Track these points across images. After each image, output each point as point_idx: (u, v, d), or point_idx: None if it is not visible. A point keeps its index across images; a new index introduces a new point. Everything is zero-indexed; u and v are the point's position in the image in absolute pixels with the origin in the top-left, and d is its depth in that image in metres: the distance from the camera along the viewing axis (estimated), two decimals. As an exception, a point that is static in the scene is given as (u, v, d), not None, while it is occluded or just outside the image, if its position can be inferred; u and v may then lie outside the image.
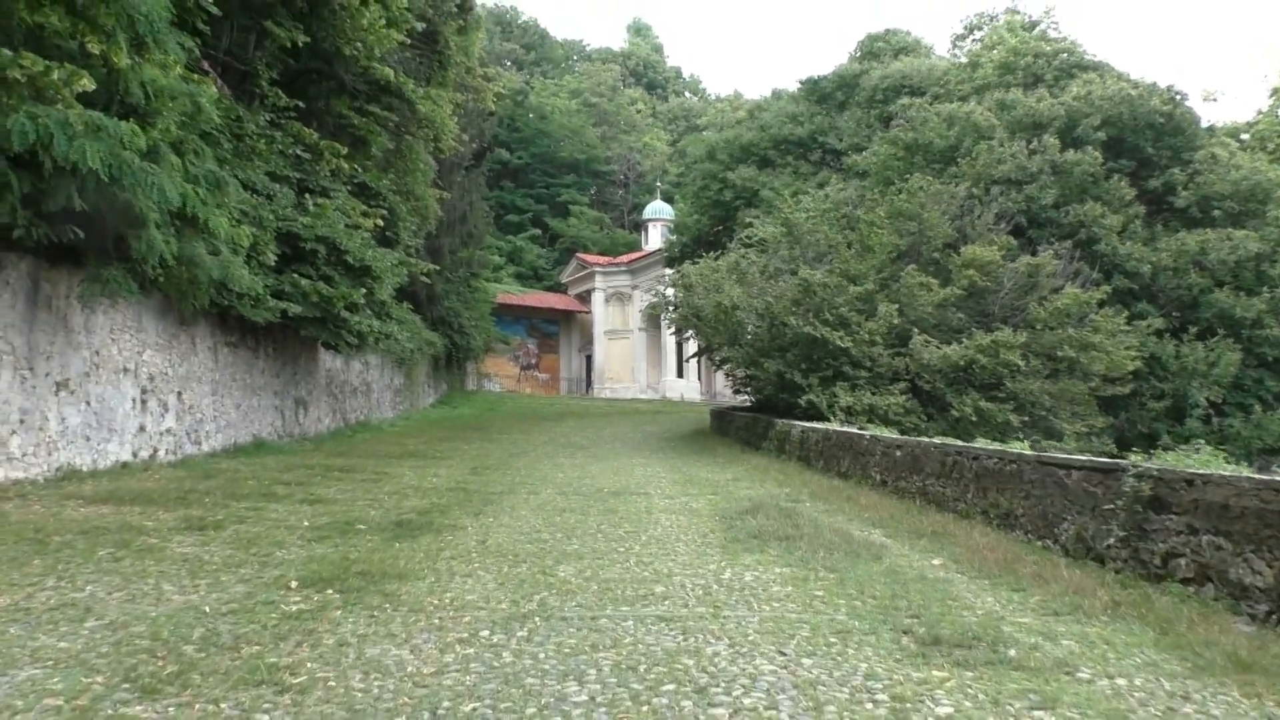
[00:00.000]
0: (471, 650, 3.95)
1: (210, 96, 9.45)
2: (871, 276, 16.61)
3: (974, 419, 14.72)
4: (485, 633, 4.24)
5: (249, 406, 14.63)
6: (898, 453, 9.86)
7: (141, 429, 11.12)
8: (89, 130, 6.21)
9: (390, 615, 4.48)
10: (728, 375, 25.57)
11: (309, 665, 3.64)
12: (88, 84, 6.81)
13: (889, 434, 11.21)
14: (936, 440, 9.43)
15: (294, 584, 5.00)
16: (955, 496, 8.36)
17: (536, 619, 4.52)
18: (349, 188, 17.14)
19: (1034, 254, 17.43)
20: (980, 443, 9.14)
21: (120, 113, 7.32)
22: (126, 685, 3.32)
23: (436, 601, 4.81)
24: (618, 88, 71.14)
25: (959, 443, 9.10)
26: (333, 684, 3.46)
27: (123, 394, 10.68)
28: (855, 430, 11.89)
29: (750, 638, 4.25)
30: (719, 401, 45.62)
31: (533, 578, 5.48)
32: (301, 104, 15.66)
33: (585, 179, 63.85)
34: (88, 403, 9.92)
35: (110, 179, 6.54)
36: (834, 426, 13.13)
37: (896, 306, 15.72)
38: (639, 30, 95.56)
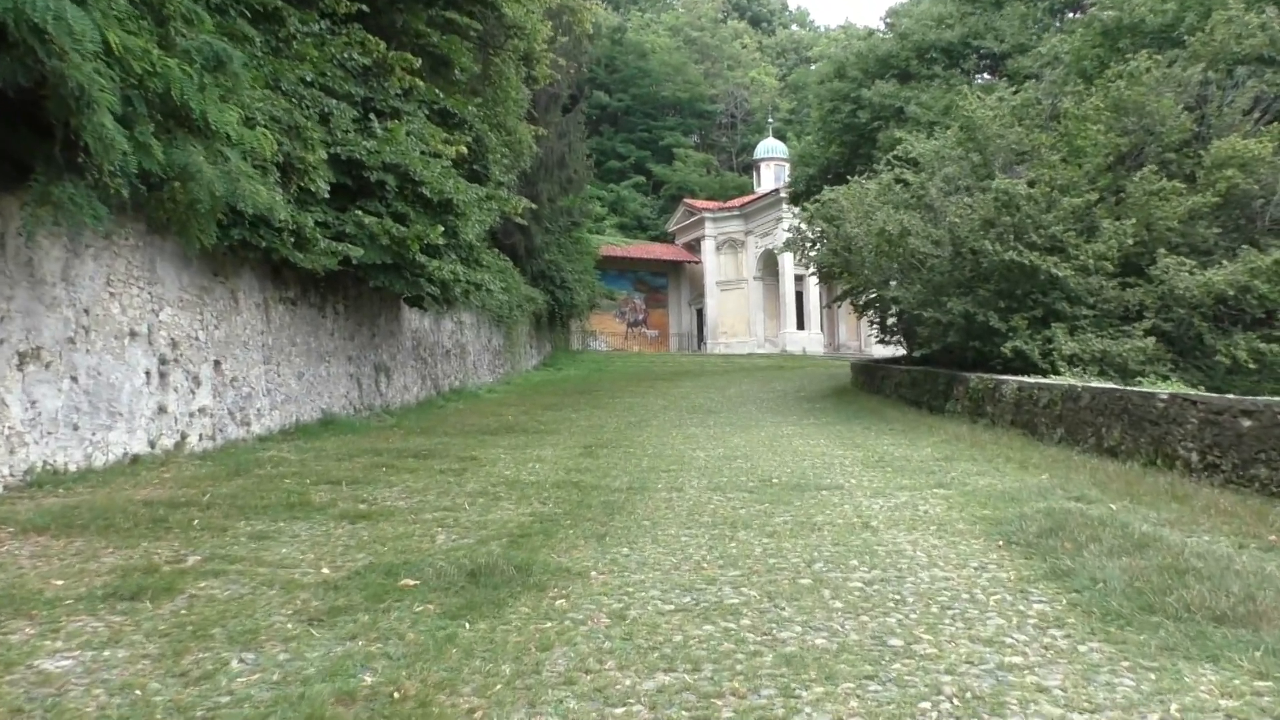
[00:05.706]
0: None
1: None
2: (1084, 186, 12.80)
3: (1250, 365, 10.93)
4: None
5: (315, 376, 12.04)
6: (1245, 422, 6.31)
7: (161, 410, 8.55)
8: None
9: None
10: (872, 323, 21.91)
11: None
12: None
13: (1199, 392, 7.62)
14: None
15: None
16: None
17: None
18: (426, 113, 14.26)
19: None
20: None
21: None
22: None
23: None
24: (719, 21, 66.55)
25: None
26: None
27: (129, 365, 8.09)
28: (1134, 388, 8.30)
29: None
30: (844, 354, 41.74)
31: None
32: (365, 7, 12.69)
33: (689, 120, 59.70)
34: (73, 379, 7.33)
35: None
36: (1075, 381, 9.59)
37: (1132, 221, 11.92)
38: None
